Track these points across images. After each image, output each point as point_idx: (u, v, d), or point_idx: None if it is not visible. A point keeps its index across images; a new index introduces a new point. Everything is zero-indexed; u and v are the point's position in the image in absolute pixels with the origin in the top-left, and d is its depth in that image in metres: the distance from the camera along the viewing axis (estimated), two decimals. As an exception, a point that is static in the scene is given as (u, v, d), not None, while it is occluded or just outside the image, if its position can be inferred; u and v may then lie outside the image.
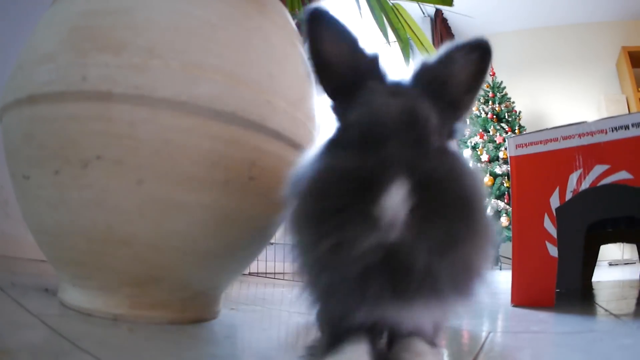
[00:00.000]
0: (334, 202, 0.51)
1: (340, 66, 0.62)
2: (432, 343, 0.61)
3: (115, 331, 0.71)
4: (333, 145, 0.61)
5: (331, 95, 0.65)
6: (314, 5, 0.61)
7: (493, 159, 5.00)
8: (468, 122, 0.66)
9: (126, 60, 0.74)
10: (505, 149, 4.47)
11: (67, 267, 0.84)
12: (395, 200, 0.48)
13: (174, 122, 0.74)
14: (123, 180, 0.74)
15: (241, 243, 0.88)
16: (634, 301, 1.32)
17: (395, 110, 0.56)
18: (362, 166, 0.51)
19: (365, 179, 0.50)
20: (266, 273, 2.34)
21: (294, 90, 0.90)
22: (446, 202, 0.51)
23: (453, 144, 0.64)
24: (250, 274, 2.29)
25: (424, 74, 0.63)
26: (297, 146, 0.90)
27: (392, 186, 0.48)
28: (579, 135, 1.29)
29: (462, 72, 0.64)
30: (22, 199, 0.86)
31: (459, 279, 0.54)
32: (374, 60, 0.63)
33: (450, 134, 0.64)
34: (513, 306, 1.33)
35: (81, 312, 0.80)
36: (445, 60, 0.63)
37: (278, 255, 2.44)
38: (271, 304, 1.25)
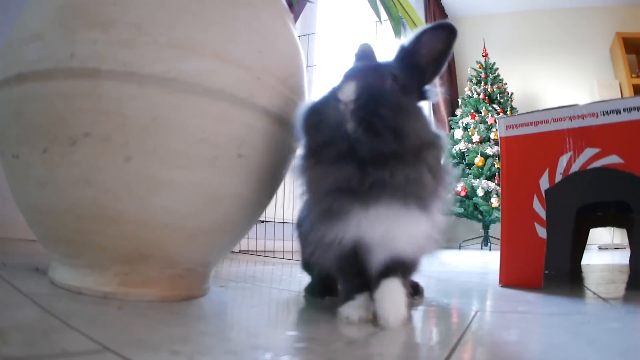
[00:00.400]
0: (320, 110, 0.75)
1: None
2: (406, 285, 0.79)
3: (104, 309, 0.71)
4: None
5: None
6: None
7: (484, 140, 5.01)
8: (437, 86, 0.90)
9: (114, 37, 0.73)
10: (496, 130, 4.48)
11: (56, 246, 0.84)
12: (347, 91, 0.71)
13: (162, 99, 0.74)
14: (111, 157, 0.74)
15: (230, 220, 0.88)
16: (622, 285, 1.33)
17: (365, 65, 0.82)
18: (337, 88, 0.74)
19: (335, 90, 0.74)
20: (256, 251, 2.35)
21: (283, 67, 0.90)
22: (388, 108, 0.71)
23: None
24: (240, 251, 2.30)
25: (401, 50, 0.84)
26: (287, 123, 0.90)
27: (345, 84, 0.72)
28: (570, 118, 1.29)
29: (428, 46, 0.83)
30: (11, 178, 0.85)
31: (409, 181, 0.73)
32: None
33: (422, 94, 0.87)
34: (501, 286, 1.34)
35: (71, 290, 0.80)
36: (416, 38, 0.82)
37: (268, 233, 2.45)
38: (261, 281, 1.26)
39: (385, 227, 0.74)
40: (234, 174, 0.83)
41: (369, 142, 0.70)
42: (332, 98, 0.73)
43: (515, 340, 0.68)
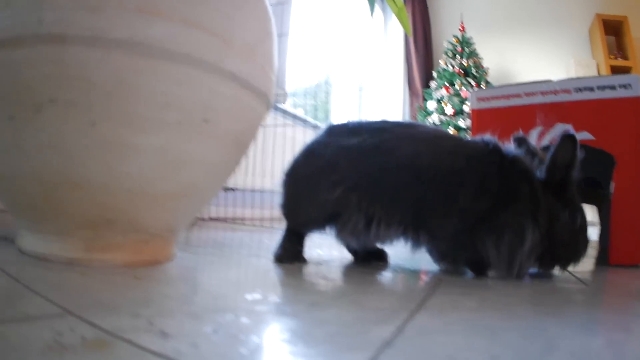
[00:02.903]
0: None
1: None
2: None
3: (69, 274, 0.72)
4: None
5: None
6: None
7: (458, 113, 5.03)
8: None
9: (81, 2, 0.72)
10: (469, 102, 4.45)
11: (23, 213, 0.84)
12: None
13: (127, 63, 0.73)
14: (76, 122, 0.73)
15: (195, 185, 0.88)
16: (591, 260, 1.34)
17: None
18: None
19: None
20: (225, 218, 2.35)
21: (252, 33, 0.89)
22: None
23: None
24: (210, 219, 2.30)
25: None
26: (254, 89, 0.90)
27: None
28: (542, 93, 1.30)
29: None
30: (-22, 147, 0.84)
31: None
32: None
33: None
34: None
35: (38, 257, 0.81)
36: None
37: (238, 201, 2.45)
38: (229, 247, 1.26)
39: None
40: (199, 139, 0.83)
41: None
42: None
43: (476, 306, 0.69)
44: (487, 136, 1.00)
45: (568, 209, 0.95)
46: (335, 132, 1.05)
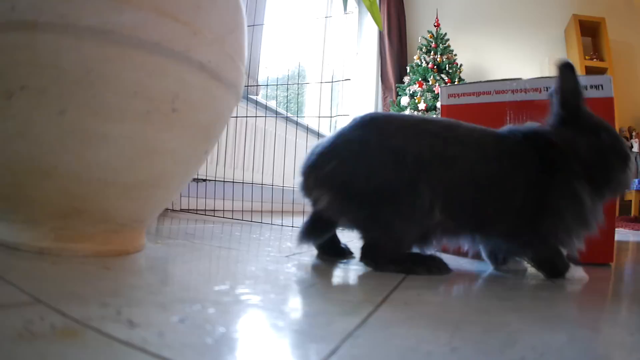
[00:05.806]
0: None
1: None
2: None
3: (39, 264, 0.72)
4: None
5: None
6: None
7: (430, 108, 5.05)
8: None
9: (53, -12, 0.72)
10: (444, 99, 4.44)
11: (-7, 202, 0.84)
12: None
13: (97, 51, 0.73)
14: (46, 110, 0.73)
15: (163, 176, 0.88)
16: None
17: None
18: None
19: None
20: (197, 210, 2.34)
21: (223, 24, 0.89)
22: None
23: None
24: (181, 210, 2.29)
25: None
26: (223, 79, 0.90)
27: None
28: (513, 91, 1.31)
29: None
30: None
31: None
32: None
33: None
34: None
35: (8, 246, 0.80)
36: None
37: (209, 192, 2.44)
38: (199, 239, 1.26)
39: None
40: (168, 128, 0.83)
41: None
42: None
43: (441, 300, 0.70)
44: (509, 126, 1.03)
45: (587, 132, 0.94)
46: (385, 131, 0.93)
